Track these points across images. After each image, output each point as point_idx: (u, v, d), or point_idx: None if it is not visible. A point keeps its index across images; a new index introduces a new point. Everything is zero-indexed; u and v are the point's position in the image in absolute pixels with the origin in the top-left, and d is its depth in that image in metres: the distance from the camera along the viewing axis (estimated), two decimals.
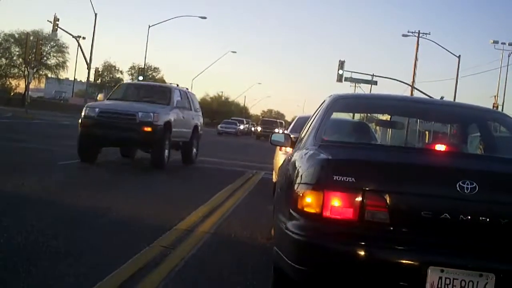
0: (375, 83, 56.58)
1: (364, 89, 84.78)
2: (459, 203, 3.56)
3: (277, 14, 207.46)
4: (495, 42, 52.71)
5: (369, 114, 7.77)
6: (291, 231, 3.77)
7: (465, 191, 3.54)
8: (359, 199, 3.60)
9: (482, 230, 3.57)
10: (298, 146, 5.33)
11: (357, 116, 7.15)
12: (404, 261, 3.52)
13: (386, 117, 6.82)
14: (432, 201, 3.60)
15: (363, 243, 3.54)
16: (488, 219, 3.55)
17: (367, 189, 3.61)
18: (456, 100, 51.12)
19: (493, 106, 50.36)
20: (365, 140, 5.15)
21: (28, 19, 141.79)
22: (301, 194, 3.78)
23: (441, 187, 3.64)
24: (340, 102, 5.47)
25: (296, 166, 4.26)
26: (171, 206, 8.57)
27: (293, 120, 15.21)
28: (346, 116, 6.15)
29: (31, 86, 69.46)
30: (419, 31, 57.88)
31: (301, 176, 3.93)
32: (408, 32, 58.21)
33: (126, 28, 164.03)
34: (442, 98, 51.17)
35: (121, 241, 6.23)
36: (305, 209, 3.72)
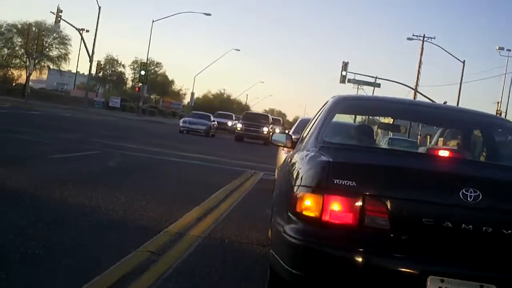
0: (378, 85, 56.19)
1: (366, 91, 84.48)
2: (462, 211, 3.46)
3: (282, 13, 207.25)
4: (501, 48, 52.43)
5: (371, 117, 7.86)
6: (288, 235, 3.65)
7: (468, 199, 3.44)
8: (359, 204, 3.50)
9: (484, 240, 3.47)
10: (299, 147, 5.16)
11: (359, 118, 6.93)
12: (403, 270, 3.42)
13: (388, 120, 6.64)
14: (434, 208, 3.49)
15: (362, 249, 3.44)
16: (490, 229, 3.45)
17: (367, 193, 3.51)
18: (460, 105, 50.89)
19: (496, 113, 50.01)
20: (367, 143, 4.95)
21: (31, 10, 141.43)
22: (300, 197, 3.67)
23: (444, 194, 3.52)
24: (343, 104, 5.34)
25: (296, 167, 4.17)
26: (163, 206, 8.13)
27: (295, 120, 14.92)
28: (349, 118, 6.03)
29: (33, 77, 69.21)
30: (424, 35, 57.55)
31: (301, 178, 3.82)
32: (413, 35, 57.87)
33: (129, 22, 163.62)
34: (445, 103, 50.84)
35: (106, 244, 5.81)
36: (304, 212, 3.62)
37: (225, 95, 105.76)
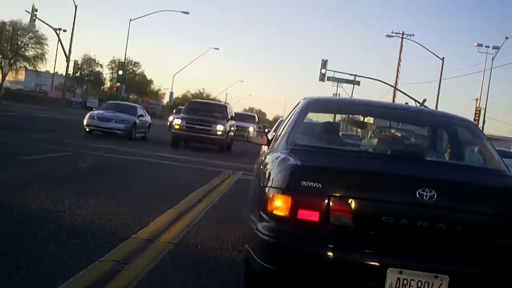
0: (358, 83, 56.02)
1: (346, 89, 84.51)
2: (418, 209, 3.79)
3: (261, 12, 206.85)
4: (479, 45, 52.43)
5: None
6: (261, 232, 3.94)
7: (424, 198, 3.76)
8: (325, 204, 3.81)
9: (439, 235, 3.81)
10: (272, 147, 5.42)
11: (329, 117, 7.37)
12: (365, 263, 3.75)
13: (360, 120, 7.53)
14: (393, 207, 3.83)
15: (327, 245, 3.76)
16: (445, 225, 3.80)
17: (332, 194, 3.83)
18: (439, 103, 50.91)
19: (476, 110, 50.05)
20: (334, 144, 5.17)
21: (5, 9, 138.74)
22: (271, 197, 3.96)
23: (402, 194, 3.86)
24: (313, 106, 5.64)
25: (268, 169, 4.43)
26: (134, 210, 7.64)
27: (275, 119, 14.66)
28: (319, 117, 6.20)
29: (10, 78, 67.88)
30: (403, 32, 57.63)
31: (272, 180, 4.10)
32: (392, 32, 57.91)
33: (107, 21, 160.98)
34: (424, 100, 50.83)
35: (66, 252, 5.29)
36: (274, 211, 3.91)
37: (204, 94, 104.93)
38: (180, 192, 9.76)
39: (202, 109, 25.60)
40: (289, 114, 5.86)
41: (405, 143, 6.28)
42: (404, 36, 57.34)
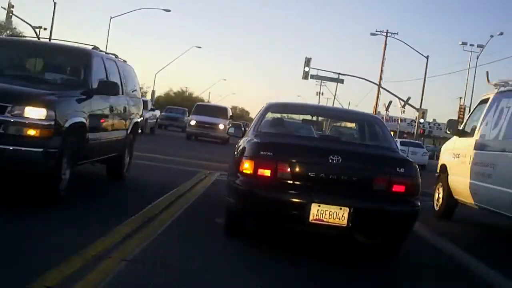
0: (342, 81, 55.37)
1: (329, 88, 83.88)
2: (330, 168, 6.19)
3: (244, 10, 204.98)
4: (464, 43, 51.92)
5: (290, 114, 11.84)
6: (236, 184, 6.31)
7: (333, 161, 6.18)
8: (274, 165, 6.14)
9: (342, 183, 6.22)
10: (246, 134, 7.97)
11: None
12: (298, 200, 6.10)
13: (303, 117, 10.64)
14: (315, 167, 6.25)
15: (276, 191, 6.14)
16: (346, 177, 6.22)
17: (279, 159, 6.18)
18: (424, 100, 50.32)
19: (460, 108, 49.55)
20: (281, 131, 7.88)
21: None
22: (242, 162, 6.29)
23: (321, 159, 6.29)
24: (272, 107, 8.37)
25: (242, 146, 6.95)
26: (86, 219, 6.71)
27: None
28: (277, 115, 8.82)
29: None
30: (387, 30, 57.08)
31: (244, 151, 6.51)
32: (376, 31, 57.32)
33: (87, 18, 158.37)
34: (409, 99, 50.34)
35: None
36: (244, 171, 6.25)
37: (187, 93, 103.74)
38: (146, 196, 8.78)
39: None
40: (257, 114, 8.31)
41: (331, 131, 9.85)
42: (389, 34, 56.76)
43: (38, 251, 5.20)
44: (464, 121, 11.79)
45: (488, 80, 10.98)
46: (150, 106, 32.64)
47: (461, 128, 11.49)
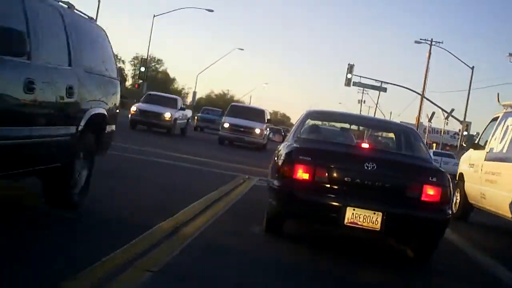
0: (384, 90, 54.76)
1: (372, 96, 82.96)
2: (366, 174, 6.52)
3: (287, 14, 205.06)
4: (511, 55, 50.57)
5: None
6: (276, 186, 6.74)
7: (369, 168, 6.50)
8: (312, 169, 6.51)
9: (376, 189, 6.55)
10: (286, 139, 8.59)
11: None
12: (334, 203, 6.45)
13: (341, 125, 10.15)
14: (351, 172, 6.57)
15: (314, 193, 6.52)
16: (380, 183, 6.55)
17: (317, 164, 6.56)
18: (468, 113, 49.20)
19: None
20: (320, 137, 8.25)
21: None
22: (282, 165, 6.76)
23: (356, 165, 6.61)
24: (312, 115, 8.84)
25: (282, 151, 7.34)
26: (113, 227, 6.49)
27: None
28: (316, 122, 9.25)
29: None
30: (431, 39, 56.01)
31: (284, 156, 6.94)
32: (421, 39, 56.25)
33: (130, 16, 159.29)
34: (452, 110, 49.12)
35: None
36: (284, 174, 6.66)
37: (228, 95, 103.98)
38: (180, 200, 8.54)
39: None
40: (297, 120, 8.82)
41: (369, 140, 9.55)
42: (433, 43, 55.73)
43: None
44: (479, 136, 13.47)
45: (498, 101, 12.76)
46: (180, 104, 30.25)
47: (476, 141, 13.13)
